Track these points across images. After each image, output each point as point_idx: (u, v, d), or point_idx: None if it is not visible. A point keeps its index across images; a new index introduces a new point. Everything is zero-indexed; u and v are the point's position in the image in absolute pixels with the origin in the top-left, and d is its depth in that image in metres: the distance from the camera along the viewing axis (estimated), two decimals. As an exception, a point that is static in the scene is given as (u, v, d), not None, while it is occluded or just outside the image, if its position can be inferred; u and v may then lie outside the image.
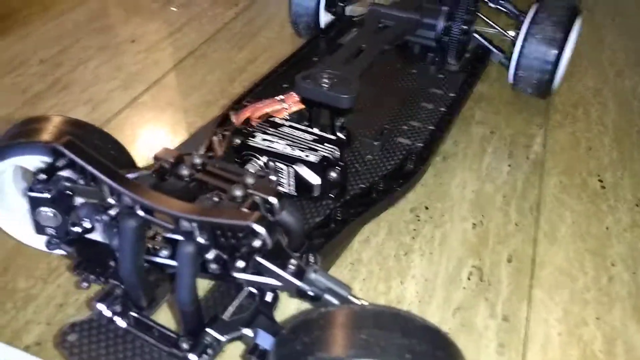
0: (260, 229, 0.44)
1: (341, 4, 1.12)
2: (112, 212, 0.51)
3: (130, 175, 0.53)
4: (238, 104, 0.81)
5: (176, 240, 0.49)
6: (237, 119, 0.75)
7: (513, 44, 0.98)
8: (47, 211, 0.59)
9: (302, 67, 0.88)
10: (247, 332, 0.51)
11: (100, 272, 0.57)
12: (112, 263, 0.57)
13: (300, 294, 0.49)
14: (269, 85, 0.88)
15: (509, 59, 0.98)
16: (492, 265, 0.73)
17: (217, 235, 0.47)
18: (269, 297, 0.54)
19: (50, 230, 0.61)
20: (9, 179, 0.67)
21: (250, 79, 1.11)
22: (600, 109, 1.05)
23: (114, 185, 0.48)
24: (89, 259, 0.59)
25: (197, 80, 1.13)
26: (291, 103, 0.74)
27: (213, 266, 0.48)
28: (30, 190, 0.58)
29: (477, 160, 0.91)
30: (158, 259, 0.52)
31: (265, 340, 0.51)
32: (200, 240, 0.46)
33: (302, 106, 0.74)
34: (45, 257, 0.72)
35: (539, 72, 0.92)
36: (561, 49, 0.90)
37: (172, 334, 0.52)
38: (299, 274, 0.48)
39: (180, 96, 1.09)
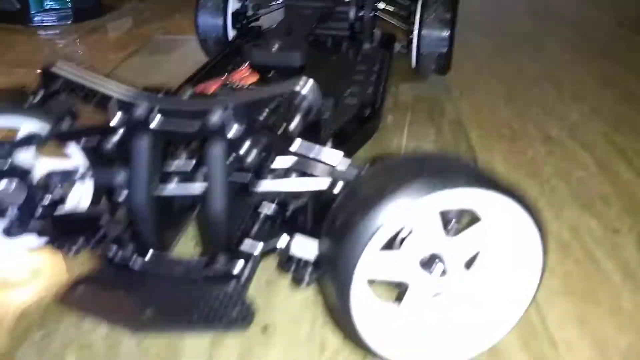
0: (306, 89, 0.44)
1: (244, 22, 1.18)
2: (116, 137, 0.47)
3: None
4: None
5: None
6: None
7: (407, 33, 1.11)
8: (9, 185, 0.53)
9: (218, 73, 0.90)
10: (281, 242, 0.49)
11: (87, 237, 0.52)
12: (104, 220, 0.52)
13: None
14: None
15: (406, 47, 1.11)
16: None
17: (251, 123, 0.46)
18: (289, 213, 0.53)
19: (13, 210, 0.55)
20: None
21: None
22: (486, 84, 1.21)
23: (124, 97, 0.45)
24: (65, 231, 0.54)
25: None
26: (242, 77, 0.76)
27: (249, 160, 0.46)
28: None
29: (409, 128, 0.99)
30: (173, 189, 0.49)
31: (302, 246, 0.49)
32: (233, 131, 0.45)
33: (256, 77, 0.76)
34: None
35: (438, 48, 1.05)
36: (453, 26, 1.04)
37: (198, 262, 0.48)
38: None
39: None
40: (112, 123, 0.47)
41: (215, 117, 0.45)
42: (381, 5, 1.14)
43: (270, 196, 0.51)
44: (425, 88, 1.17)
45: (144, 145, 0.45)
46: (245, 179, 0.48)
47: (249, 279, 0.47)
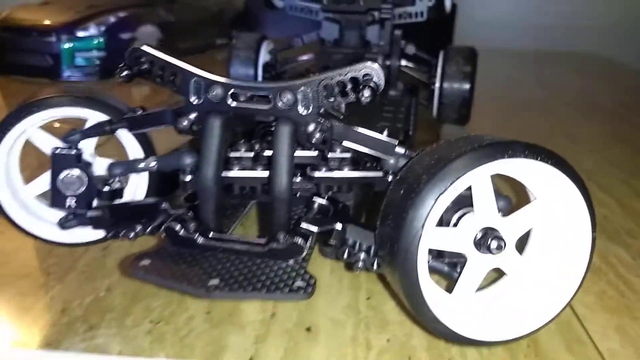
0: (373, 69, 0.47)
1: (273, 73, 1.25)
2: (192, 115, 0.51)
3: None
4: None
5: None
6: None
7: (428, 85, 1.17)
8: (72, 174, 0.55)
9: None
10: (337, 225, 0.51)
11: (146, 223, 0.54)
12: (163, 207, 0.53)
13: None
14: None
15: (427, 99, 1.17)
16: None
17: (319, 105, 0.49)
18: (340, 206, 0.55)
19: (71, 201, 0.56)
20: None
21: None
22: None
23: (205, 75, 0.49)
24: (122, 219, 0.55)
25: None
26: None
27: (316, 135, 0.49)
28: (57, 148, 0.55)
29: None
30: (237, 175, 0.52)
31: (356, 233, 0.51)
32: (303, 110, 0.48)
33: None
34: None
35: (459, 98, 1.11)
36: (473, 78, 1.11)
37: (256, 240, 0.50)
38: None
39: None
40: (192, 100, 0.50)
41: (286, 99, 0.48)
42: (403, 63, 1.21)
43: (327, 182, 0.53)
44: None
45: (218, 124, 0.48)
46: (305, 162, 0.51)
47: (308, 256, 0.48)
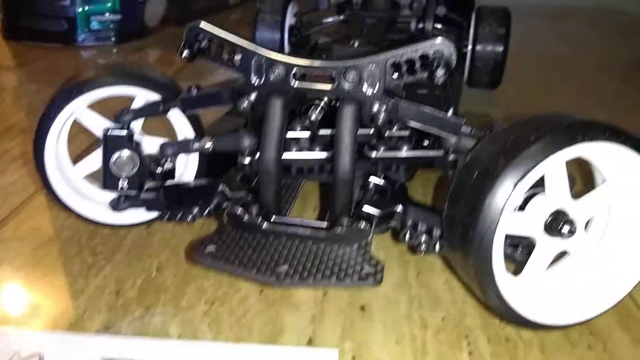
0: (445, 45, 0.45)
1: (298, 36, 1.22)
2: (252, 96, 0.49)
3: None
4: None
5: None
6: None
7: (460, 50, 1.14)
8: (124, 155, 0.55)
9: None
10: (398, 208, 0.50)
11: (203, 205, 0.53)
12: (220, 189, 0.53)
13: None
14: None
15: (458, 62, 1.14)
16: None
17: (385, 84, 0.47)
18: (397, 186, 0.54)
19: (123, 183, 0.56)
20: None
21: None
22: (530, 100, 1.24)
23: (267, 54, 0.47)
24: (176, 201, 0.55)
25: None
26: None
27: (382, 116, 0.47)
28: (108, 129, 0.54)
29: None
30: (296, 154, 0.51)
31: (418, 214, 0.50)
32: (368, 90, 0.46)
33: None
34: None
35: (492, 62, 1.08)
36: (507, 41, 1.07)
37: (320, 224, 0.49)
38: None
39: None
40: (253, 80, 0.49)
41: (351, 78, 0.47)
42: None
43: (386, 162, 0.52)
44: (472, 103, 1.19)
45: (280, 104, 0.47)
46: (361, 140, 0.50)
47: (371, 239, 0.48)
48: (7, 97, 1.21)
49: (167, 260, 0.63)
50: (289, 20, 1.20)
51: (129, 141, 0.54)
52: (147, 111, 0.55)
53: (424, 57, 0.47)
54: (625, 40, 1.93)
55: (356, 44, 0.76)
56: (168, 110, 0.55)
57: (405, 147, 0.52)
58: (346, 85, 0.48)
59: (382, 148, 0.52)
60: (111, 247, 0.65)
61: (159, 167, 0.54)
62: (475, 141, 0.49)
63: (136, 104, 0.57)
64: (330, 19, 1.23)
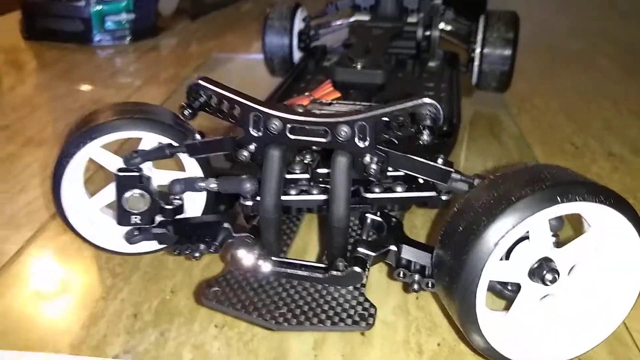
0: (431, 105, 0.48)
1: (308, 42, 1.23)
2: (252, 146, 0.52)
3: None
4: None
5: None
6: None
7: (467, 51, 1.15)
8: (135, 194, 0.58)
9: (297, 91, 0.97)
10: (392, 247, 0.53)
11: (209, 241, 0.57)
12: (224, 226, 0.56)
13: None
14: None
15: (466, 65, 1.15)
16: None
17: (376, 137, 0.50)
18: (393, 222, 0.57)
19: (136, 218, 0.59)
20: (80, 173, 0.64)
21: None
22: (542, 100, 1.24)
23: (265, 109, 0.50)
24: (185, 236, 0.58)
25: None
26: (324, 93, 0.81)
27: (373, 167, 0.50)
28: (121, 170, 0.58)
29: (470, 143, 1.03)
30: (295, 198, 0.54)
31: (411, 253, 0.53)
32: (360, 143, 0.49)
33: (338, 94, 0.80)
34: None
35: (500, 66, 1.09)
36: (515, 45, 1.08)
37: (317, 264, 0.52)
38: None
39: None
40: (252, 132, 0.52)
41: (345, 131, 0.50)
42: (441, 26, 1.18)
43: (381, 203, 0.55)
44: (482, 104, 1.20)
45: (277, 154, 0.50)
46: (358, 187, 0.53)
47: (366, 280, 0.51)
48: (26, 106, 1.26)
49: (181, 282, 0.67)
50: (298, 25, 1.22)
51: (139, 181, 0.57)
52: (155, 155, 0.58)
53: (412, 115, 0.49)
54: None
55: (359, 66, 0.77)
56: (174, 154, 0.59)
57: (399, 188, 0.55)
58: (339, 139, 0.50)
59: (377, 189, 0.54)
60: (129, 269, 0.70)
61: (168, 204, 0.58)
62: (467, 185, 0.52)
63: (144, 145, 0.60)
64: (339, 22, 1.24)
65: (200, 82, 0.53)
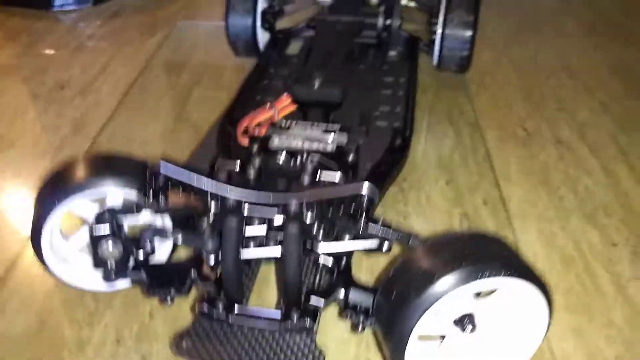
0: (371, 189, 0.55)
1: (272, 20, 1.23)
2: (210, 219, 0.59)
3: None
4: (230, 117, 0.89)
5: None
6: (238, 130, 0.83)
7: (430, 33, 1.16)
8: (108, 244, 0.64)
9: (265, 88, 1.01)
10: (340, 293, 0.61)
11: (179, 286, 0.63)
12: (192, 274, 0.63)
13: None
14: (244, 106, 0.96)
15: (428, 45, 1.17)
16: (474, 209, 0.89)
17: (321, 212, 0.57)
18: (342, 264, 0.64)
19: (111, 263, 0.66)
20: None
21: (200, 101, 1.18)
22: (503, 76, 1.27)
23: (221, 193, 0.56)
24: (157, 280, 0.65)
25: (147, 111, 1.17)
26: (283, 106, 0.85)
27: (319, 237, 0.58)
28: (92, 229, 0.63)
29: (427, 131, 1.08)
30: (254, 253, 0.61)
31: (357, 296, 0.61)
32: (308, 218, 0.56)
33: (294, 107, 0.84)
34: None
35: (460, 50, 1.11)
36: (475, 29, 1.10)
37: (275, 314, 0.60)
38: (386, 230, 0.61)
39: (137, 129, 1.13)
40: (211, 211, 0.60)
41: (293, 208, 0.58)
42: (404, 2, 1.18)
43: (329, 255, 0.62)
44: (443, 80, 1.23)
45: (234, 226, 0.58)
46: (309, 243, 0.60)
47: (317, 327, 0.59)
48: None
49: (157, 305, 0.75)
50: (262, 4, 1.21)
51: (111, 233, 0.63)
52: (124, 211, 0.64)
53: (352, 197, 0.55)
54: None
55: (317, 84, 0.80)
56: (141, 210, 0.64)
57: (347, 237, 0.62)
58: (291, 213, 0.57)
59: (325, 244, 0.61)
60: (110, 293, 0.76)
61: (140, 250, 0.64)
62: (405, 240, 0.60)
63: (111, 201, 0.65)
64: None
65: (161, 169, 0.59)
